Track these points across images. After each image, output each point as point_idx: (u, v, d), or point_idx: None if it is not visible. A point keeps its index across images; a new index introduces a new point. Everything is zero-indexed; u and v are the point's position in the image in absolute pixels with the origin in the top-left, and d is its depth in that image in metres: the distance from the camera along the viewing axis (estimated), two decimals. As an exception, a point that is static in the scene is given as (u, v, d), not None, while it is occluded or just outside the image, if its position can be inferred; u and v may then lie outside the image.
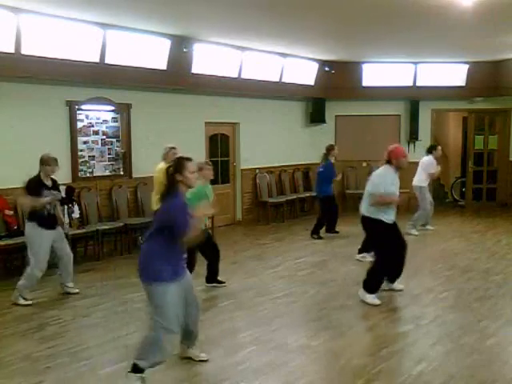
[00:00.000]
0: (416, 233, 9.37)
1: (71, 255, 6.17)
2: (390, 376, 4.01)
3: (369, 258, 7.30)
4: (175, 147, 7.12)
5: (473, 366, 4.14)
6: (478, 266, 7.21)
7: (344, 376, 4.04)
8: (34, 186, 5.66)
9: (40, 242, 5.71)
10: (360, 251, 7.50)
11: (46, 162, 5.72)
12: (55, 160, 5.77)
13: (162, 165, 6.95)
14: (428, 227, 9.81)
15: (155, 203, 7.19)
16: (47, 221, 5.74)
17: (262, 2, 6.65)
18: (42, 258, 5.72)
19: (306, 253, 8.18)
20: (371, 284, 5.68)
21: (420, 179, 9.59)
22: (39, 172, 5.76)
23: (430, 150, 9.73)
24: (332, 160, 9.23)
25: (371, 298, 5.65)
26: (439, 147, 9.86)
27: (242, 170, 10.88)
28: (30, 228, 5.73)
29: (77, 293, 6.13)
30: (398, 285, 6.11)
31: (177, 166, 3.80)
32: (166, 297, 3.66)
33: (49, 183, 5.79)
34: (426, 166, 9.54)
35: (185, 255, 3.99)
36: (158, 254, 3.71)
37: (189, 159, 3.85)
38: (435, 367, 4.11)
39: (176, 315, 3.74)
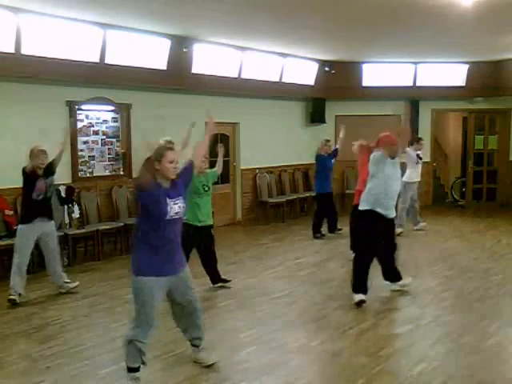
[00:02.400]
0: (400, 229, 9.12)
1: (56, 251, 6.11)
2: (390, 376, 4.01)
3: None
4: (172, 142, 7.05)
5: (473, 366, 4.14)
6: (477, 266, 7.20)
7: (344, 376, 4.03)
8: (30, 177, 5.77)
9: (22, 239, 5.79)
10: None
11: (36, 155, 5.76)
12: (44, 152, 5.81)
13: None
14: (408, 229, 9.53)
15: None
16: (39, 208, 5.80)
17: (261, 1, 6.65)
18: (21, 258, 5.77)
19: (306, 253, 8.18)
20: (353, 283, 5.68)
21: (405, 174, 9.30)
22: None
23: (411, 143, 9.59)
24: (323, 153, 9.11)
25: (356, 297, 5.57)
26: (422, 141, 9.74)
27: (242, 170, 10.89)
28: (18, 231, 5.87)
29: (76, 286, 6.15)
30: (404, 281, 6.05)
31: (156, 153, 3.66)
32: None
33: (40, 172, 5.82)
34: (407, 160, 9.37)
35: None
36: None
37: (170, 148, 3.71)
38: (435, 367, 4.11)
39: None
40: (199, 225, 5.90)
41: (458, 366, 4.16)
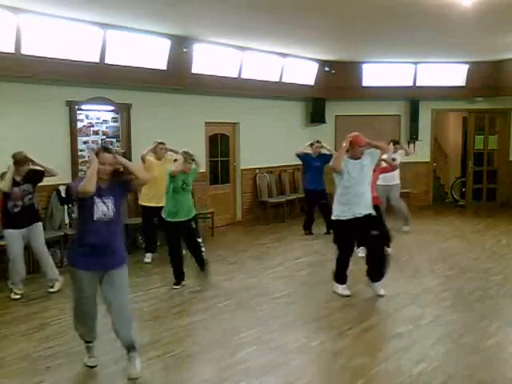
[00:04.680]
0: (406, 228, 9.53)
1: (45, 253, 6.18)
2: (390, 376, 4.01)
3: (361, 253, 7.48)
4: (164, 143, 7.65)
5: (473, 366, 4.14)
6: (477, 266, 7.20)
7: (344, 376, 4.04)
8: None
9: (10, 242, 5.87)
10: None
11: (20, 161, 5.77)
12: (26, 158, 5.84)
13: (151, 157, 7.67)
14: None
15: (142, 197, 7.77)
16: (17, 219, 5.83)
17: (261, 2, 6.65)
18: (13, 256, 5.88)
19: (306, 253, 8.17)
20: (335, 273, 6.00)
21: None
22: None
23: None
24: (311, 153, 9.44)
25: (340, 289, 5.92)
26: (398, 145, 9.64)
27: (242, 169, 10.89)
28: (4, 234, 5.94)
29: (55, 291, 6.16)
30: (379, 288, 5.86)
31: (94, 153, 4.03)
32: None
33: (19, 179, 5.82)
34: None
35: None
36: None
37: (106, 150, 3.98)
38: (435, 367, 4.11)
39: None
40: (178, 220, 6.24)
41: (458, 366, 4.16)
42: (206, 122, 10.03)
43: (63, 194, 7.67)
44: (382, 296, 5.82)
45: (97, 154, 3.92)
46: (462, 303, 5.73)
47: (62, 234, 7.31)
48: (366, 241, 5.89)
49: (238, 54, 9.76)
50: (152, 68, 8.53)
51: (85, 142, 8.28)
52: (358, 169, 5.74)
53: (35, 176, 5.97)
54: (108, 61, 7.90)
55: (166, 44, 8.56)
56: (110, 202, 3.89)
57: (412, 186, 12.38)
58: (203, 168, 9.93)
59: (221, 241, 9.18)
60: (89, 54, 7.67)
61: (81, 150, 8.21)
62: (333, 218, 5.88)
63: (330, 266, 7.34)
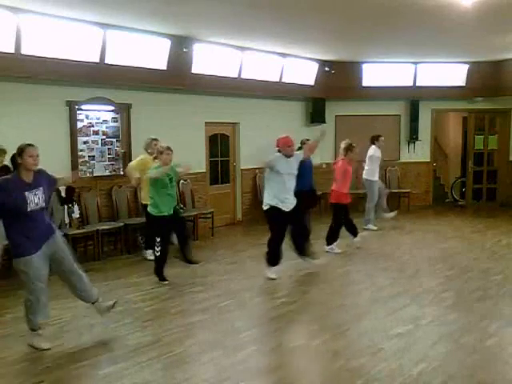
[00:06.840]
0: (374, 228, 9.59)
1: None
2: (390, 376, 4.00)
3: (336, 249, 7.95)
4: (157, 139, 7.63)
5: (473, 366, 4.14)
6: (477, 266, 7.20)
7: (343, 376, 4.03)
8: None
9: None
10: (328, 243, 8.05)
11: None
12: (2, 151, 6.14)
13: (143, 156, 7.66)
14: (370, 226, 9.69)
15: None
16: None
17: (262, 1, 6.66)
18: None
19: (306, 253, 8.16)
20: (268, 256, 6.64)
21: (367, 172, 9.66)
22: None
23: (372, 141, 9.80)
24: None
25: (270, 272, 6.58)
26: (382, 137, 9.85)
27: (242, 170, 10.89)
28: None
29: None
30: (311, 260, 6.84)
31: (18, 150, 4.34)
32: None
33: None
34: (369, 157, 9.65)
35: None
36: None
37: (30, 145, 4.37)
38: (435, 367, 4.11)
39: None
40: (167, 215, 6.34)
41: (458, 366, 4.16)
42: (205, 122, 10.03)
43: (63, 194, 7.67)
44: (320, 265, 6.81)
45: (22, 150, 4.31)
46: (462, 303, 5.73)
47: (63, 234, 7.30)
48: (294, 227, 6.64)
49: (237, 53, 9.76)
50: (152, 68, 8.54)
51: (85, 142, 8.28)
52: (285, 167, 6.49)
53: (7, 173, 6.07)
54: (108, 61, 7.90)
55: (166, 44, 8.56)
56: (39, 193, 4.36)
57: (412, 185, 12.41)
58: (203, 168, 10.01)
59: (221, 241, 9.18)
60: (89, 54, 7.68)
61: (81, 150, 8.22)
62: (265, 207, 6.53)
63: (330, 266, 7.38)
